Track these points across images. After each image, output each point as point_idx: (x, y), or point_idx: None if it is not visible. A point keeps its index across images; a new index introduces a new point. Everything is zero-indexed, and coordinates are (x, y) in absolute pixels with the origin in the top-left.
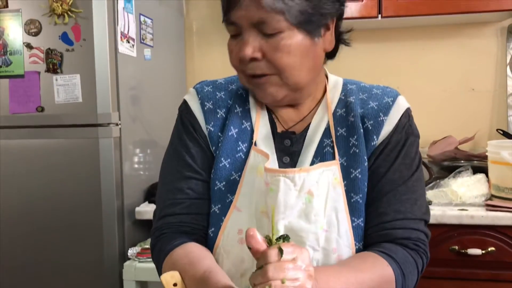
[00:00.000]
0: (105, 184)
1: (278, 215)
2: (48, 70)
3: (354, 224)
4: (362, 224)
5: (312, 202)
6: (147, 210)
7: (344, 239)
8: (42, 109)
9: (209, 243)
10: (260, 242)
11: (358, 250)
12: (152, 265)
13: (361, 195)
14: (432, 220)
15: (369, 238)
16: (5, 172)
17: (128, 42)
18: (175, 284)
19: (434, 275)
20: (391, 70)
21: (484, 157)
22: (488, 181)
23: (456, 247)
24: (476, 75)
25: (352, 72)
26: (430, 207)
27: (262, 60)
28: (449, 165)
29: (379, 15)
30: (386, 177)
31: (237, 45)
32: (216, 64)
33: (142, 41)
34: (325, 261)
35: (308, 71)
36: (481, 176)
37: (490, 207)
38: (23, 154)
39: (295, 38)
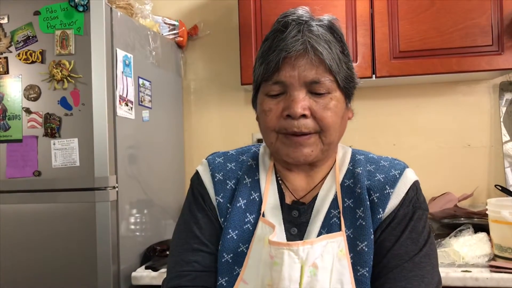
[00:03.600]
0: (101, 248)
1: None
2: (46, 134)
3: None
4: None
5: (317, 275)
6: (143, 275)
7: None
8: (39, 173)
9: None
10: None
11: None
12: None
13: (367, 269)
14: None
15: None
16: (1, 236)
17: (127, 105)
18: None
19: None
20: (387, 128)
21: (484, 215)
22: (490, 240)
23: None
24: (471, 131)
25: (348, 130)
26: None
27: (309, 118)
28: (449, 222)
29: (373, 75)
30: (392, 251)
31: (279, 104)
32: (213, 123)
33: (140, 103)
34: None
35: (340, 133)
36: (482, 235)
37: (494, 268)
38: (19, 218)
39: (340, 100)
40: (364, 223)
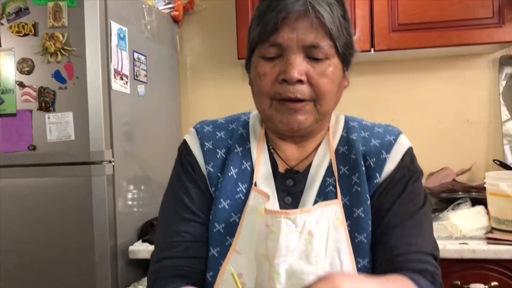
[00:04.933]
0: (98, 222)
1: (279, 258)
2: (40, 108)
3: (359, 266)
4: (368, 265)
5: (312, 243)
6: (140, 249)
7: None
8: (34, 148)
9: (207, 287)
10: None
11: None
12: None
13: (365, 235)
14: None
15: (385, 271)
16: None
17: (122, 79)
18: None
19: None
20: (385, 103)
21: (482, 189)
22: (488, 213)
23: (459, 282)
24: (470, 106)
25: (346, 105)
26: None
27: (305, 83)
28: (447, 197)
29: (372, 49)
30: (392, 211)
31: (275, 68)
32: (210, 100)
33: (135, 77)
34: None
35: (335, 102)
36: (480, 208)
37: (492, 240)
38: (14, 193)
39: (338, 67)
40: (359, 189)
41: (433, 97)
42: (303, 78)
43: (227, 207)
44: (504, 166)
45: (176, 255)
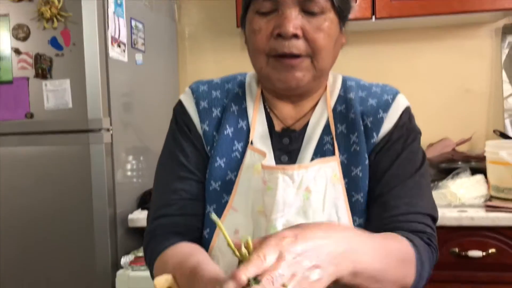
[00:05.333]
0: (97, 191)
1: (276, 213)
2: (37, 75)
3: (355, 224)
4: (364, 225)
5: (310, 199)
6: (140, 217)
7: None
8: (31, 116)
9: (204, 244)
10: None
11: None
12: (146, 273)
13: (362, 194)
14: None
15: (378, 230)
16: None
17: (119, 46)
18: None
19: (434, 278)
20: (385, 73)
21: (481, 158)
22: (487, 182)
23: (456, 249)
24: (471, 76)
25: (345, 74)
26: None
27: (300, 39)
28: (447, 167)
29: (373, 17)
30: (390, 172)
31: (270, 23)
32: (209, 70)
33: (133, 45)
34: None
35: (332, 59)
36: (479, 177)
37: (490, 208)
38: (12, 161)
39: (334, 22)
40: (358, 149)
41: (434, 67)
42: (299, 32)
43: (223, 165)
44: (504, 136)
45: (173, 213)
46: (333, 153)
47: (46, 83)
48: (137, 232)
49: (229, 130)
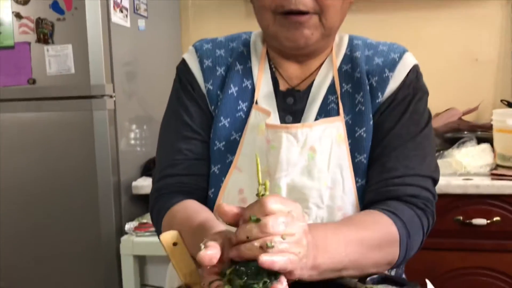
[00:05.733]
0: (100, 158)
1: (280, 172)
2: (38, 40)
3: (358, 185)
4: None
5: (315, 159)
6: (144, 185)
7: (349, 196)
8: (34, 81)
9: (209, 204)
10: (233, 207)
11: (363, 209)
12: (150, 239)
13: (365, 155)
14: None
15: (373, 194)
16: None
17: (122, 11)
18: (175, 244)
19: (438, 246)
20: (392, 41)
21: (488, 128)
22: (493, 150)
23: (461, 218)
24: (479, 45)
25: None
26: None
27: None
28: (452, 136)
29: None
30: (393, 132)
31: None
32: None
33: (135, 11)
34: (330, 218)
35: (341, 18)
36: (485, 146)
37: (496, 176)
38: (14, 128)
39: None
40: (363, 109)
41: (441, 36)
42: None
43: (227, 125)
44: (511, 106)
45: (179, 173)
46: (337, 113)
47: (48, 48)
48: (141, 199)
49: (233, 89)
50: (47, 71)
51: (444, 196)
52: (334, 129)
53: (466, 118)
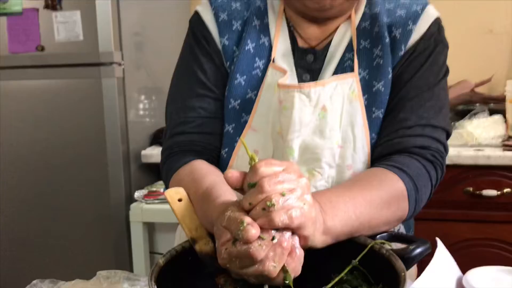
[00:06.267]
0: (109, 126)
1: (293, 133)
2: (47, 6)
3: (373, 142)
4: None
5: (326, 118)
6: (153, 153)
7: (360, 155)
8: (42, 48)
9: (222, 164)
10: (238, 172)
11: (371, 166)
12: (159, 206)
13: (382, 110)
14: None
15: (381, 148)
16: (5, 114)
17: None
18: (180, 200)
19: (447, 217)
20: None
21: (501, 100)
22: (506, 121)
23: (471, 189)
24: (494, 15)
25: None
26: None
27: None
28: (464, 109)
29: None
30: (410, 83)
31: None
32: None
33: None
34: (339, 178)
35: None
36: (498, 117)
37: (508, 147)
38: (23, 95)
39: None
40: (381, 62)
41: (456, 7)
42: None
43: (243, 82)
44: None
45: (191, 131)
46: (352, 69)
47: (56, 15)
48: (151, 168)
49: (250, 46)
50: (56, 38)
51: (455, 167)
52: (346, 86)
53: (479, 90)
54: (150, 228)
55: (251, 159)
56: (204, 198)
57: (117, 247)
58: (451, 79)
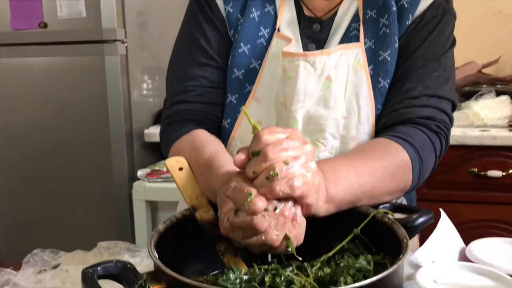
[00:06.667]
0: (112, 104)
1: (297, 103)
2: None
3: (378, 112)
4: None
5: (331, 88)
6: (156, 132)
7: (364, 126)
8: (45, 25)
9: (224, 134)
10: (240, 155)
11: (375, 137)
12: (162, 185)
13: (388, 80)
14: (451, 141)
15: (385, 119)
16: (7, 91)
17: None
18: (181, 169)
19: (451, 198)
20: None
21: (508, 81)
22: None
23: (476, 170)
24: None
25: None
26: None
27: None
28: (470, 90)
29: None
30: (417, 52)
31: None
32: None
33: None
34: (343, 149)
35: None
36: (505, 97)
37: None
38: (25, 72)
39: None
40: (388, 31)
41: None
42: None
43: (247, 52)
44: None
45: (191, 100)
46: (358, 39)
47: None
48: (154, 147)
49: (255, 14)
50: (58, 15)
51: (460, 148)
52: (352, 56)
53: (486, 71)
54: (153, 206)
55: (254, 128)
56: (206, 168)
57: (120, 226)
58: (458, 61)
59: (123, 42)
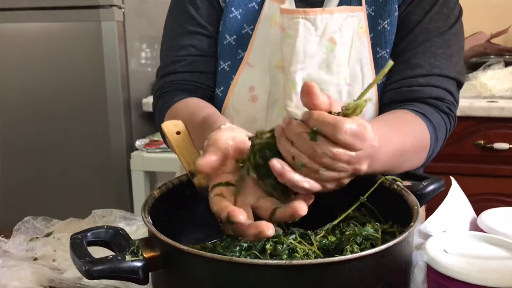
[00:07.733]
0: (110, 72)
1: (296, 64)
2: None
3: (379, 82)
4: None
5: (335, 51)
6: None
7: (368, 95)
8: None
9: (217, 103)
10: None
11: (380, 108)
12: (161, 155)
13: (388, 50)
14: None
15: (394, 93)
16: (1, 57)
17: None
18: (178, 133)
19: (456, 171)
20: None
21: None
22: None
23: (482, 142)
24: None
25: None
26: None
27: None
28: (478, 61)
29: None
30: (420, 25)
31: None
32: None
33: None
34: None
35: None
36: None
37: None
38: (20, 38)
39: None
40: None
41: None
42: None
43: (239, 16)
44: None
45: (181, 70)
46: (359, 2)
47: None
48: (152, 117)
49: None
50: None
51: (466, 119)
52: (356, 20)
53: (494, 41)
54: (152, 177)
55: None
56: (202, 128)
57: (118, 197)
58: (466, 31)
59: (120, 7)
